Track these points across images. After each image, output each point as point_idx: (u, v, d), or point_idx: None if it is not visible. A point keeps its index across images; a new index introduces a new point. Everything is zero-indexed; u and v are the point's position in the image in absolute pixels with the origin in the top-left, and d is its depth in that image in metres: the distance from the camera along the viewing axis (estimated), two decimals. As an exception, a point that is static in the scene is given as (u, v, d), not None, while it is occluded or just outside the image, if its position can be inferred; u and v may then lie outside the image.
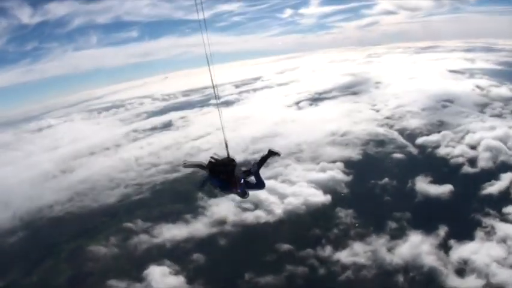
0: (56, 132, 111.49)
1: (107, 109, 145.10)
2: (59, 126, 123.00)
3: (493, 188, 44.54)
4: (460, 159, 52.91)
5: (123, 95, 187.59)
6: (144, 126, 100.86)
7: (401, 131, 65.60)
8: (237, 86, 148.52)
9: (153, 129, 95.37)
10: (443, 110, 73.48)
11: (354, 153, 59.08)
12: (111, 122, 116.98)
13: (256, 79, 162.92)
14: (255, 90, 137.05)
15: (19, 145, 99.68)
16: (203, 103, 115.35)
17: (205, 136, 74.39)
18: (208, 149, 65.78)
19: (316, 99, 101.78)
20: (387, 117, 73.75)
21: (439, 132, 61.94)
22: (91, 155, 79.97)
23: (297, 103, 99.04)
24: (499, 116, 67.23)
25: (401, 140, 62.15)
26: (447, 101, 77.75)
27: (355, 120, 73.17)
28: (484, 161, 51.24)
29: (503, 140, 54.89)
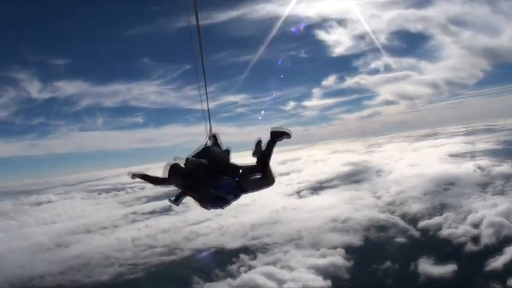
0: (55, 208, 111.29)
1: (107, 191, 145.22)
2: (58, 203, 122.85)
3: (497, 262, 44.63)
4: (463, 239, 52.74)
5: (125, 178, 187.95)
6: (143, 209, 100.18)
7: (403, 216, 65.24)
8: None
9: (152, 212, 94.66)
10: (444, 193, 73.51)
11: (355, 239, 58.50)
12: (110, 204, 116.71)
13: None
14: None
15: (16, 215, 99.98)
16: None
17: (204, 221, 73.56)
18: (206, 234, 65.84)
19: (317, 188, 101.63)
20: (389, 204, 73.56)
21: (441, 214, 61.83)
22: (88, 233, 79.25)
23: (298, 192, 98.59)
24: (501, 193, 68.09)
25: (403, 224, 61.78)
26: (448, 184, 78.05)
27: (356, 207, 72.83)
28: (487, 237, 51.15)
29: (505, 215, 55.13)
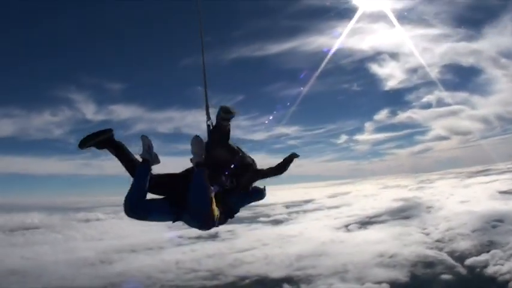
0: (102, 226, 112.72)
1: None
2: (106, 221, 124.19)
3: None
4: (507, 276, 52.00)
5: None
6: (190, 234, 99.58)
7: (451, 253, 63.86)
8: (287, 207, 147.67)
9: (199, 237, 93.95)
10: (493, 230, 71.08)
11: (401, 275, 57.25)
12: (157, 226, 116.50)
13: (308, 201, 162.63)
14: (305, 211, 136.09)
15: (63, 229, 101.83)
16: (252, 220, 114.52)
17: (250, 250, 73.22)
18: (251, 262, 64.64)
19: (366, 222, 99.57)
20: (437, 240, 72.18)
21: (488, 251, 60.75)
22: (132, 252, 79.62)
23: (346, 226, 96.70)
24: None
25: (450, 261, 60.39)
26: (497, 221, 75.00)
27: (404, 243, 71.24)
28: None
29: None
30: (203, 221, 6.04)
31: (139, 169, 5.96)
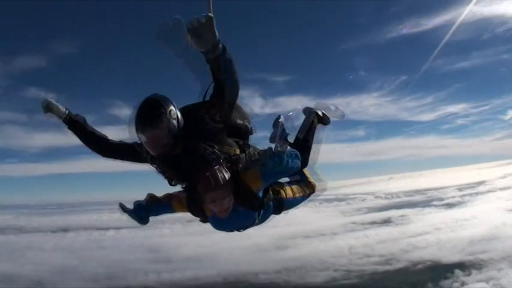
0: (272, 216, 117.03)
1: (329, 201, 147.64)
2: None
3: None
4: None
5: (347, 190, 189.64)
6: (363, 219, 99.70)
7: None
8: (460, 189, 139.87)
9: (372, 223, 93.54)
10: None
11: None
12: (331, 213, 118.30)
13: (480, 183, 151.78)
14: (477, 193, 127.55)
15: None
16: (425, 204, 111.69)
17: (422, 234, 70.84)
18: (424, 247, 62.85)
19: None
20: None
21: None
22: (306, 238, 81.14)
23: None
24: None
25: None
26: None
27: None
28: None
29: None
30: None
31: None
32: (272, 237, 78.81)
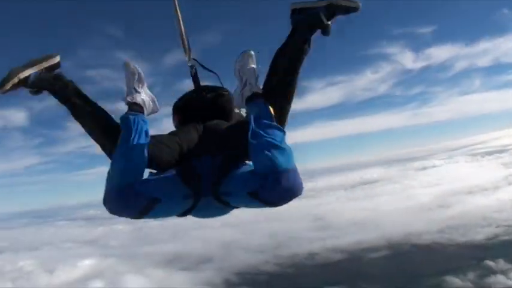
0: (438, 172, 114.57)
1: (489, 153, 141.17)
2: (442, 167, 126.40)
3: None
4: None
5: (504, 140, 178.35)
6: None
7: None
8: None
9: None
10: None
11: None
12: (493, 166, 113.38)
13: None
14: None
15: (400, 179, 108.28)
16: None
17: None
18: None
19: None
20: None
21: None
22: (468, 194, 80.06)
23: None
24: None
25: None
26: None
27: None
28: None
29: None
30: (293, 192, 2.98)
31: (124, 127, 3.27)
32: (435, 195, 78.88)
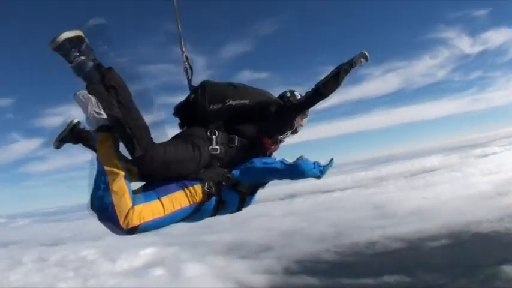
0: (499, 159, 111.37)
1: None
2: (503, 154, 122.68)
3: None
4: None
5: None
6: None
7: None
8: None
9: None
10: None
11: None
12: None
13: None
14: None
15: (461, 167, 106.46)
16: None
17: None
18: None
19: None
20: None
21: None
22: (529, 183, 77.82)
23: None
24: None
25: None
26: None
27: None
28: None
29: None
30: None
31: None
32: (495, 183, 77.30)
